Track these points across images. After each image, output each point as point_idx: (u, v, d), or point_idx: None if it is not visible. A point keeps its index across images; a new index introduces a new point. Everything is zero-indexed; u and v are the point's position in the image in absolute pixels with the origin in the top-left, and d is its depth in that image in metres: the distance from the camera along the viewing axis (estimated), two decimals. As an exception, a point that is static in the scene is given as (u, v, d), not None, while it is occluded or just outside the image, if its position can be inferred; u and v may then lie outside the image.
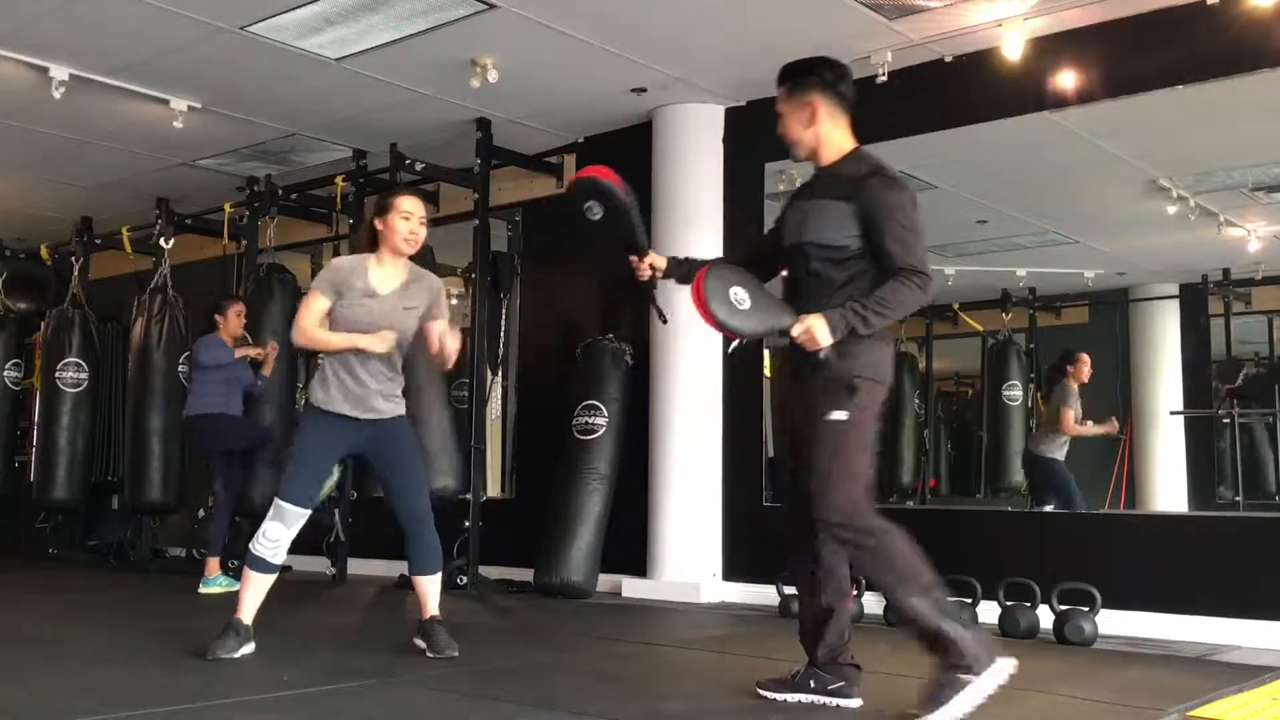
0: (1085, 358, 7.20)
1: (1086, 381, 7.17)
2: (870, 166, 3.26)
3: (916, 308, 3.17)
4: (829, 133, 3.34)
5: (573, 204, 3.53)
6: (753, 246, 3.73)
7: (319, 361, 4.23)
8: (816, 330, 3.07)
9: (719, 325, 3.11)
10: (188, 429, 6.95)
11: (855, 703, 3.27)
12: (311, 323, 4.09)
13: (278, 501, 4.02)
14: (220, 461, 6.68)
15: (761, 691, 3.36)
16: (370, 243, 4.20)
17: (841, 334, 3.08)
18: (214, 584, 6.46)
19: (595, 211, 3.48)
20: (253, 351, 6.92)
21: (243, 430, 6.80)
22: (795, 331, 3.10)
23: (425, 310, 4.18)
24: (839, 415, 3.12)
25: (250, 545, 4.06)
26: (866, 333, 3.10)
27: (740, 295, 3.12)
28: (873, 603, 5.40)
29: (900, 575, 3.07)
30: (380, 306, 4.09)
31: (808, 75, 3.37)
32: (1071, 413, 7.08)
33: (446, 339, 4.11)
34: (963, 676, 2.97)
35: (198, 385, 6.74)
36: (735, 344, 3.30)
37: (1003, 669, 3.01)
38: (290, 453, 4.24)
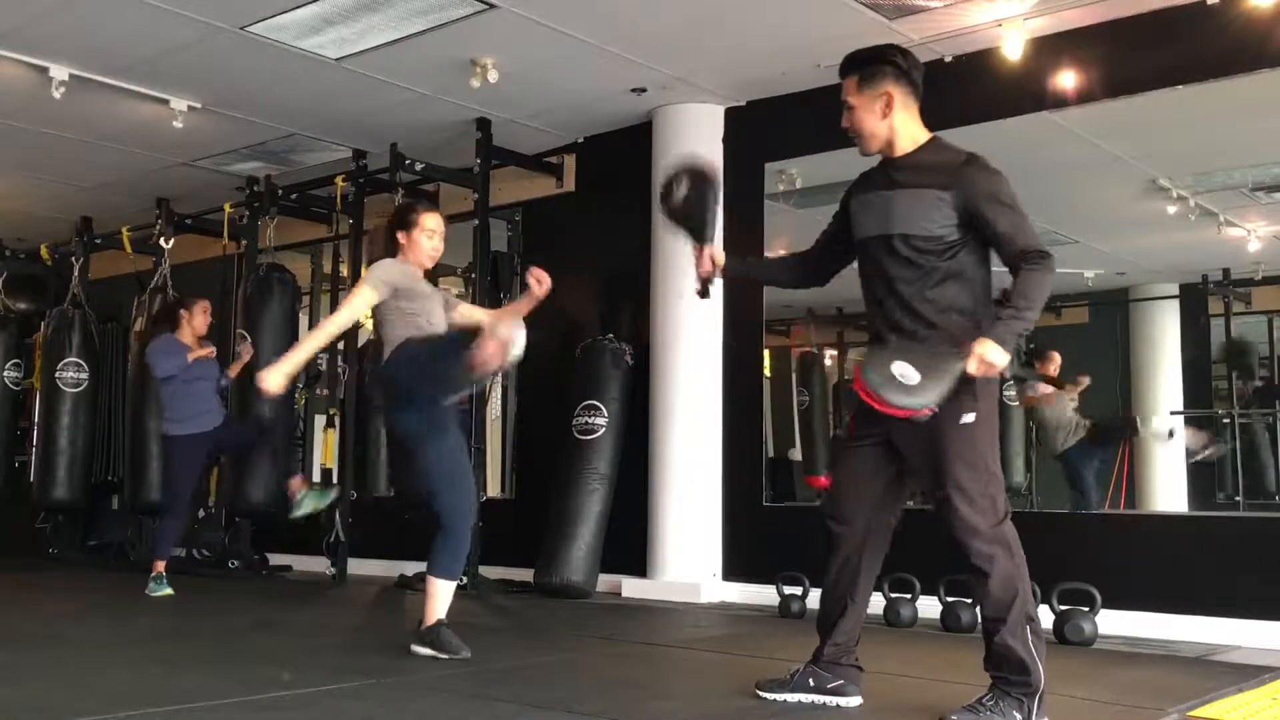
0: (1054, 354, 7.26)
1: (1054, 374, 7.20)
2: (965, 153, 3.16)
3: (1051, 289, 3.03)
4: (904, 123, 3.21)
5: (669, 175, 3.46)
6: (818, 246, 3.56)
7: (384, 344, 4.13)
8: (992, 357, 2.91)
9: (907, 412, 2.97)
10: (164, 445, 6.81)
11: (855, 701, 3.27)
12: (354, 314, 4.13)
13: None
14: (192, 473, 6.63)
15: (761, 693, 3.36)
16: (383, 249, 4.22)
17: (1013, 347, 2.98)
18: (165, 587, 6.27)
19: (682, 187, 3.41)
20: (204, 353, 6.61)
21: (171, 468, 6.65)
22: (972, 369, 2.92)
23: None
24: (969, 418, 3.02)
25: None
26: (1027, 332, 3.02)
27: (904, 370, 2.95)
28: (872, 602, 5.40)
29: (1022, 596, 2.99)
30: (439, 309, 4.20)
31: (880, 64, 3.22)
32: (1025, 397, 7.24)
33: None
34: (1015, 714, 2.95)
35: (163, 398, 6.63)
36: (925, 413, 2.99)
37: None
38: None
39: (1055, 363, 7.21)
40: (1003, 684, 3.00)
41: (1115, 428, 7.30)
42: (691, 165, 3.46)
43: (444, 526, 4.06)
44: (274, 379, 3.94)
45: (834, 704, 3.25)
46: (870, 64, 3.24)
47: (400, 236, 4.19)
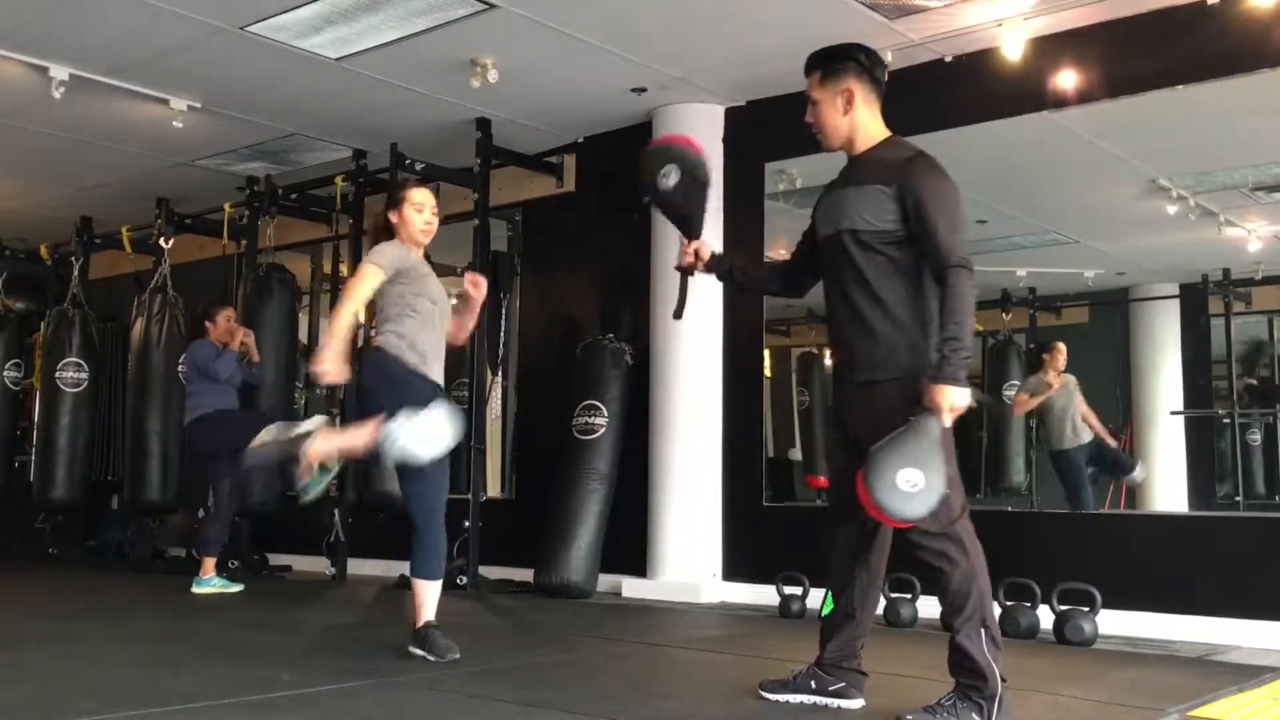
0: (1060, 346, 7.24)
1: (1063, 367, 7.19)
2: (913, 150, 3.16)
3: (974, 304, 2.97)
4: (864, 120, 3.23)
5: (649, 165, 3.42)
6: (794, 255, 3.55)
7: (385, 332, 4.09)
8: (956, 402, 2.88)
9: (912, 524, 2.90)
10: (188, 436, 6.97)
11: (857, 703, 3.26)
12: (363, 296, 4.02)
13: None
14: (226, 462, 6.59)
15: (763, 693, 3.35)
16: (375, 239, 4.22)
17: (965, 376, 2.90)
18: (208, 584, 6.41)
19: (671, 179, 3.38)
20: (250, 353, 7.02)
21: (245, 426, 6.71)
22: (947, 423, 2.90)
23: None
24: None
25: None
26: (968, 355, 2.91)
27: (910, 476, 2.80)
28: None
29: (975, 597, 2.97)
30: (437, 285, 4.19)
31: (844, 60, 3.25)
32: (1022, 395, 7.22)
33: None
34: (974, 716, 2.94)
35: (191, 389, 6.83)
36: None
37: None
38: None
39: (1062, 354, 7.20)
40: (962, 686, 2.99)
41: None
42: (682, 154, 3.45)
43: (415, 527, 4.08)
44: (332, 366, 3.84)
45: (835, 705, 3.25)
46: (833, 60, 3.28)
47: (393, 217, 4.18)
